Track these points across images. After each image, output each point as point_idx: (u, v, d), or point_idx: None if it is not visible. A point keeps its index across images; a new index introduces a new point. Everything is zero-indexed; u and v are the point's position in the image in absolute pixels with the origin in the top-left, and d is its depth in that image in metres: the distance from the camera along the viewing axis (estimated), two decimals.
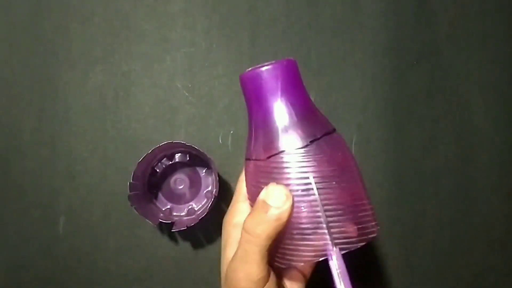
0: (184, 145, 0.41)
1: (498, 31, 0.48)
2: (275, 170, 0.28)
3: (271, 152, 0.29)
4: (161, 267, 0.45)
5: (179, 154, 0.44)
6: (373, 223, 0.29)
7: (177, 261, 0.45)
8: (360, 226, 0.28)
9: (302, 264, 0.29)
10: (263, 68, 0.29)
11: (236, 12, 0.46)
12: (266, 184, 0.28)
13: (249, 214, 0.29)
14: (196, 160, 0.44)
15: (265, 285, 0.29)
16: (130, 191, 0.39)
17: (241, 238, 0.29)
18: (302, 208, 0.27)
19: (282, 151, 0.28)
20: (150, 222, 0.39)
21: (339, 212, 0.27)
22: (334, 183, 0.28)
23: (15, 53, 0.45)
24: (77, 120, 0.45)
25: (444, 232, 0.46)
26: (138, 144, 0.45)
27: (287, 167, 0.28)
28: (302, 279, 0.35)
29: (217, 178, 0.40)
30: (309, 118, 0.29)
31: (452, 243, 0.46)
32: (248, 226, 0.28)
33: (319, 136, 0.28)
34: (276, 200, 0.27)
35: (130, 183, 0.40)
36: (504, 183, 0.47)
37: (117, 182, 0.44)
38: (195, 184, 0.45)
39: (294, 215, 0.28)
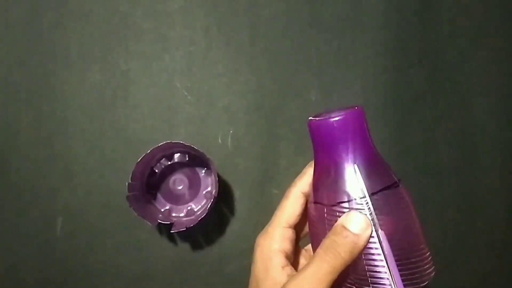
0: (183, 145, 0.40)
1: (500, 30, 0.47)
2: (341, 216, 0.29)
3: (338, 199, 0.29)
4: (160, 268, 0.44)
5: (178, 154, 0.43)
6: (430, 269, 0.30)
7: (176, 262, 0.45)
8: (417, 270, 0.29)
9: None
10: (335, 119, 0.30)
11: (236, 10, 0.45)
12: (331, 228, 0.30)
13: (327, 236, 0.30)
14: (196, 160, 0.44)
15: None
16: (129, 192, 0.39)
17: (315, 257, 0.29)
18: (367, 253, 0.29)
19: (349, 200, 0.29)
20: (149, 223, 0.39)
21: (399, 256, 0.29)
22: (395, 232, 0.29)
23: (13, 52, 0.45)
24: (75, 119, 0.45)
25: (446, 232, 0.46)
26: (136, 144, 0.44)
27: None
28: None
29: (217, 178, 0.39)
30: (376, 169, 0.31)
31: (454, 244, 0.46)
32: (326, 245, 0.29)
33: (385, 187, 0.30)
34: (356, 225, 0.28)
35: (128, 183, 0.39)
36: (507, 183, 0.47)
37: (115, 183, 0.44)
38: (194, 185, 0.44)
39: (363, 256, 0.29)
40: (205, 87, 0.45)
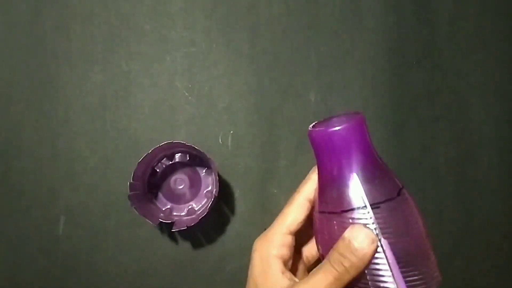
0: (184, 145, 0.41)
1: (498, 30, 0.48)
2: (348, 225, 0.29)
3: (341, 208, 0.29)
4: (161, 267, 0.45)
5: (179, 154, 0.44)
6: (437, 273, 0.30)
7: (177, 261, 0.45)
8: (424, 276, 0.29)
9: None
10: (335, 128, 0.29)
11: (236, 12, 0.46)
12: (339, 236, 0.29)
13: (334, 248, 0.30)
14: (196, 160, 0.44)
15: None
16: (130, 191, 0.39)
17: (322, 267, 0.30)
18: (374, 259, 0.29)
19: (352, 209, 0.29)
20: (150, 222, 0.39)
21: (405, 264, 0.28)
22: (401, 238, 0.29)
23: (15, 53, 0.45)
24: (77, 120, 0.45)
25: (444, 232, 0.46)
26: (138, 144, 0.45)
27: (359, 223, 0.29)
28: None
29: (217, 178, 0.40)
30: (379, 177, 0.30)
31: (452, 243, 0.46)
32: (333, 258, 0.29)
33: (390, 196, 0.29)
34: (362, 241, 0.28)
35: (130, 183, 0.40)
36: (504, 183, 0.47)
37: (117, 182, 0.44)
38: (195, 184, 0.45)
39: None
40: (205, 88, 0.45)
